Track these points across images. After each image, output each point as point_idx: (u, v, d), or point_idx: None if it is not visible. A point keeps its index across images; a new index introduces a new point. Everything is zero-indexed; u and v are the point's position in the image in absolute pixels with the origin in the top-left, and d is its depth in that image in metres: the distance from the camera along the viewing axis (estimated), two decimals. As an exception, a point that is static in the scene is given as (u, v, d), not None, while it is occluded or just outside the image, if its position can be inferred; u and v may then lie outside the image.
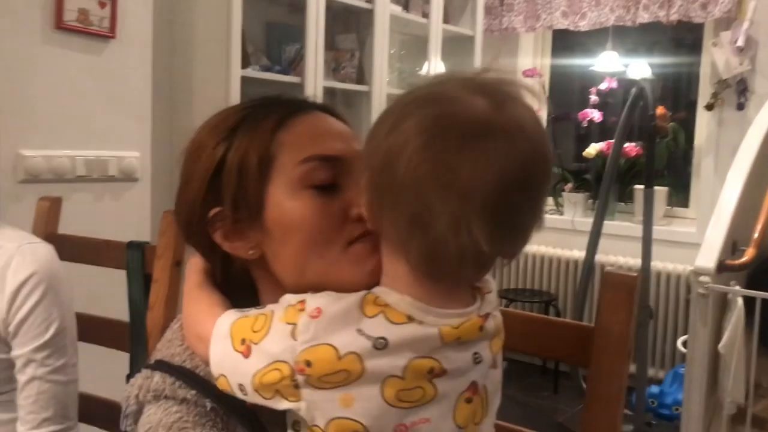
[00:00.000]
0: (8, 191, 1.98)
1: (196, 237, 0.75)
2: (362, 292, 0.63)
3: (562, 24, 3.65)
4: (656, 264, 3.41)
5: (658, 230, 3.44)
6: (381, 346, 0.60)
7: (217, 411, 0.68)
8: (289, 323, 0.62)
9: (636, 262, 3.23)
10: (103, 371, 1.36)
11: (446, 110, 0.60)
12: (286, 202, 0.70)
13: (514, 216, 0.61)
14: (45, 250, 1.16)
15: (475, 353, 0.64)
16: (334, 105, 0.83)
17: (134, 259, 1.31)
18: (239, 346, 0.64)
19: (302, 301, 0.63)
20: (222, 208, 0.72)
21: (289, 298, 0.65)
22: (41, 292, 1.12)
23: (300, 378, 0.60)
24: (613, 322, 0.85)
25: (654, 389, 3.22)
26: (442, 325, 0.62)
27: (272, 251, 0.72)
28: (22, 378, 1.12)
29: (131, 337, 1.29)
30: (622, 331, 0.85)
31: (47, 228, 1.42)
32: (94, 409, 1.32)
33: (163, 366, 0.71)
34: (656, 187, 3.52)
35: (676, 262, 3.41)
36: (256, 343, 0.63)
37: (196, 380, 0.69)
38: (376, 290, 0.64)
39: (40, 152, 2.03)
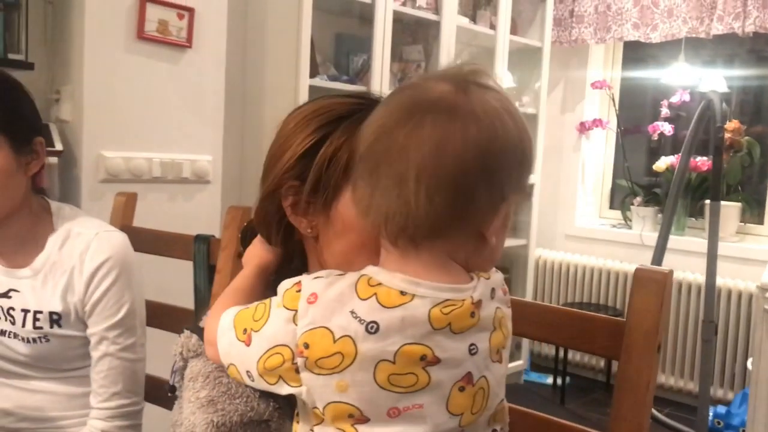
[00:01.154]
0: (90, 189, 2.13)
1: (269, 201, 0.80)
2: (356, 274, 0.67)
3: (633, 36, 3.61)
4: (727, 281, 3.32)
5: (730, 247, 3.36)
6: (373, 330, 0.63)
7: None
8: (288, 308, 0.67)
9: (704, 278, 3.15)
10: (170, 355, 1.45)
11: (417, 93, 0.67)
12: (349, 198, 0.75)
13: (472, 191, 0.64)
14: (120, 238, 1.26)
15: (471, 344, 0.66)
16: None
17: (200, 251, 1.39)
18: (242, 336, 0.70)
19: (298, 283, 0.68)
20: (301, 184, 0.77)
21: (285, 284, 0.70)
22: (115, 276, 1.22)
23: (300, 361, 0.65)
24: (643, 318, 0.87)
25: (721, 409, 3.13)
26: (433, 300, 0.64)
27: (327, 238, 0.78)
28: (95, 354, 1.22)
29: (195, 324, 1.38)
30: (652, 326, 0.87)
31: (123, 221, 1.53)
32: (160, 390, 1.42)
33: (198, 330, 0.81)
34: (729, 203, 3.44)
35: (748, 280, 3.31)
36: (257, 331, 0.68)
37: None
38: (369, 270, 0.68)
39: (120, 154, 2.17)
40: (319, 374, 0.64)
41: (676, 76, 3.62)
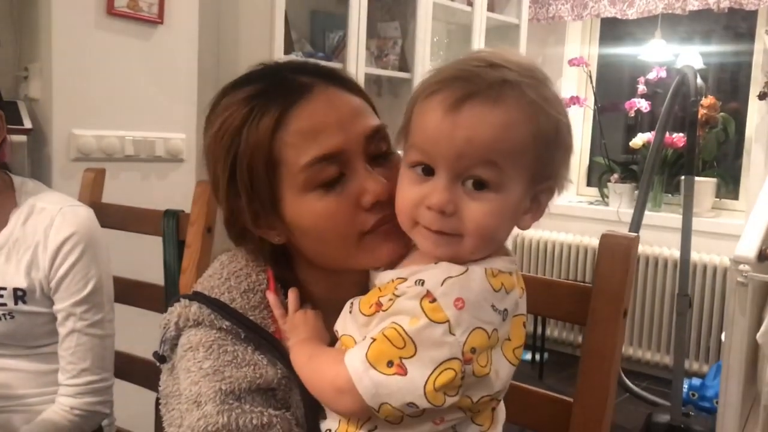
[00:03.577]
0: (61, 168, 2.09)
1: (231, 223, 0.81)
2: (480, 269, 0.67)
3: (610, 12, 3.61)
4: (702, 256, 3.36)
5: (706, 222, 3.39)
6: (505, 316, 0.67)
7: (251, 339, 0.75)
8: (438, 322, 0.63)
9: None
10: (140, 331, 1.44)
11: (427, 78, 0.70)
12: (298, 205, 0.75)
13: None
14: (85, 212, 1.25)
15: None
16: (340, 72, 0.84)
17: (169, 226, 1.38)
18: (389, 370, 0.64)
19: (427, 294, 0.64)
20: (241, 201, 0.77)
21: (404, 303, 0.65)
22: (80, 251, 1.20)
23: (467, 369, 0.64)
24: (609, 283, 0.87)
25: (695, 382, 3.18)
26: (516, 272, 0.72)
27: (295, 240, 0.78)
28: (62, 331, 1.21)
29: (166, 299, 1.37)
30: (618, 291, 0.87)
31: (92, 197, 1.51)
32: (130, 366, 1.41)
33: (200, 297, 0.78)
34: (705, 178, 3.47)
35: (723, 255, 3.34)
36: (410, 357, 0.63)
37: (230, 312, 0.76)
38: (486, 263, 0.68)
39: (91, 132, 2.13)
40: (480, 375, 0.65)
41: (652, 52, 3.63)
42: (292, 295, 0.80)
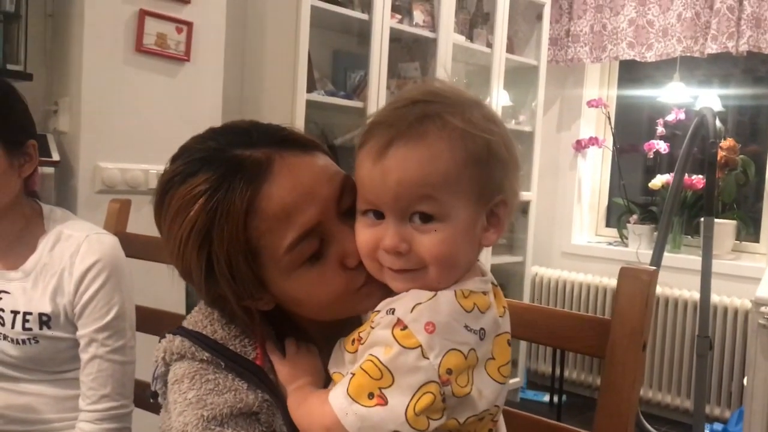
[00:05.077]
0: (86, 200, 2.14)
1: (218, 306, 0.80)
2: (449, 292, 0.69)
3: (629, 55, 3.64)
4: (723, 298, 3.32)
5: (726, 264, 3.36)
6: (483, 336, 0.68)
7: (231, 368, 0.76)
8: (410, 348, 0.65)
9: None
10: (160, 361, 1.45)
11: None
12: (287, 283, 0.76)
13: None
14: (110, 240, 1.27)
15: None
16: (290, 129, 0.80)
17: (192, 257, 1.40)
18: (370, 402, 0.65)
19: (398, 322, 0.66)
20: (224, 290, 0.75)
21: (379, 334, 0.67)
22: (104, 278, 1.22)
23: (446, 390, 0.65)
24: (628, 316, 0.88)
25: (717, 427, 3.11)
26: (491, 291, 0.73)
27: (287, 306, 0.79)
28: (84, 356, 1.23)
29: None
30: (637, 324, 0.87)
31: (117, 227, 1.54)
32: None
33: (181, 331, 0.80)
34: (725, 220, 3.45)
35: (744, 297, 3.30)
36: (389, 386, 0.65)
37: (209, 343, 0.77)
38: (457, 285, 0.70)
39: (117, 165, 2.18)
40: (460, 395, 0.66)
41: (671, 94, 3.65)
42: (290, 346, 0.80)
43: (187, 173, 0.75)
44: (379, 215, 0.71)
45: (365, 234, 0.72)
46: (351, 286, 0.76)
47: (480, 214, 0.71)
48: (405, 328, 0.65)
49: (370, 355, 0.66)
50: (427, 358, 0.64)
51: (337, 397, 0.67)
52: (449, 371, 0.65)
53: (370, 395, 0.65)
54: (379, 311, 0.70)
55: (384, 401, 0.65)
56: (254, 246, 0.73)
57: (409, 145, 0.68)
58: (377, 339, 0.67)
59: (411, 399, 0.64)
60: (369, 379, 0.65)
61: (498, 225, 0.73)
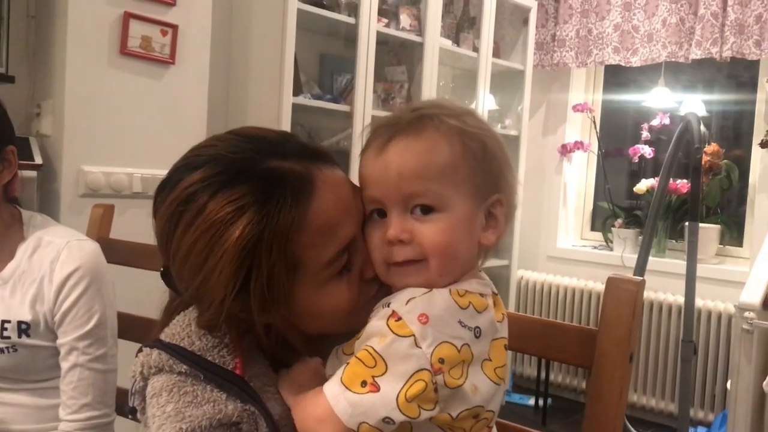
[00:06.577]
0: (70, 204, 2.11)
1: (226, 322, 0.77)
2: (444, 289, 0.71)
3: (614, 60, 3.65)
4: (707, 303, 3.34)
5: (710, 269, 3.38)
6: (478, 334, 0.70)
7: (211, 379, 0.75)
8: (403, 336, 0.67)
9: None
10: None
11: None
12: (316, 297, 0.76)
13: None
14: (91, 247, 1.25)
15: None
16: (319, 148, 0.80)
17: (175, 263, 1.38)
18: (363, 389, 0.66)
19: (392, 314, 0.68)
20: (246, 302, 0.73)
21: (376, 325, 0.69)
22: (85, 285, 1.20)
23: (438, 379, 0.66)
24: (615, 326, 0.88)
25: (701, 430, 3.13)
26: (491, 296, 0.75)
27: (295, 320, 0.78)
28: (65, 365, 1.21)
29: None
30: (624, 335, 0.87)
31: (100, 233, 1.52)
32: (132, 403, 1.39)
33: (158, 344, 0.78)
34: (709, 225, 3.47)
35: (728, 301, 3.32)
36: (381, 375, 0.66)
37: (187, 355, 0.76)
38: (453, 285, 0.72)
39: (101, 168, 2.16)
40: (452, 386, 0.67)
41: (656, 99, 3.67)
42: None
43: (220, 183, 0.72)
44: (383, 213, 0.75)
45: (373, 234, 0.76)
46: (366, 296, 0.78)
47: (478, 209, 0.75)
48: (399, 319, 0.68)
49: (366, 345, 0.68)
50: (420, 347, 0.66)
51: (331, 386, 0.69)
52: (441, 360, 0.66)
53: (363, 383, 0.67)
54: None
55: (376, 388, 0.66)
56: (295, 260, 0.73)
57: (408, 139, 0.73)
58: (373, 330, 0.69)
59: (403, 386, 0.65)
60: (363, 367, 0.67)
61: (497, 226, 0.76)
